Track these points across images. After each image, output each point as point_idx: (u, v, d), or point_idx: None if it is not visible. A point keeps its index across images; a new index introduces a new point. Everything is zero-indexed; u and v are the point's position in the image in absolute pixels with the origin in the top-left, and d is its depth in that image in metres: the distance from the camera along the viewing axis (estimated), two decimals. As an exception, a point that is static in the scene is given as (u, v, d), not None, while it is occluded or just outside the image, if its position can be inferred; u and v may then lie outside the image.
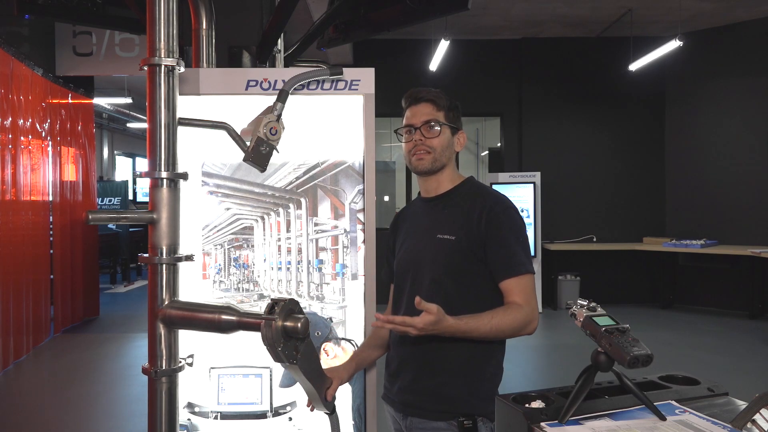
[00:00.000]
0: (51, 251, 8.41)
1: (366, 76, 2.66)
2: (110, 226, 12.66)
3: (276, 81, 2.64)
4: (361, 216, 2.67)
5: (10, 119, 7.10)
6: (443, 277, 2.11)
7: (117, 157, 20.22)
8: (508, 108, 10.60)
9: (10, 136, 7.07)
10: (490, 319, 1.97)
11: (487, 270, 2.09)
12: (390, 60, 10.32)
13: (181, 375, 1.73)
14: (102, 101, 13.80)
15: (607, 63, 10.33)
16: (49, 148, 8.33)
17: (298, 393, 2.65)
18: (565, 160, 10.38)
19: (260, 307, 2.66)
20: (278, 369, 2.64)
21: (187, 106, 2.55)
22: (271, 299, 1.50)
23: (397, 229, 2.40)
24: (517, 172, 10.00)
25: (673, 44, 8.48)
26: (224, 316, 1.58)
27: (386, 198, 11.00)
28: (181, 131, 1.76)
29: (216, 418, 2.66)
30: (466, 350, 2.07)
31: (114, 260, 13.32)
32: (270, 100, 2.32)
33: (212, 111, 2.61)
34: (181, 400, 2.61)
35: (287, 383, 2.66)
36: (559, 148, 10.35)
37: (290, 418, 2.67)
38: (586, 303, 1.41)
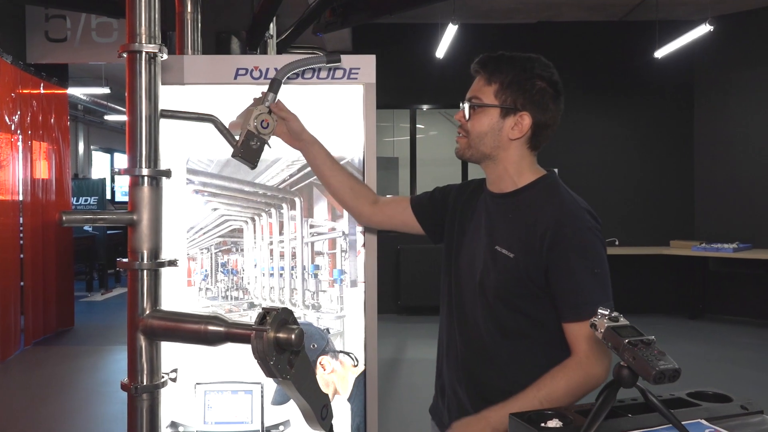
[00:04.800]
0: (21, 256, 8.41)
1: (366, 63, 2.66)
2: (86, 228, 12.66)
3: (268, 69, 2.64)
4: (359, 218, 2.66)
5: (-23, 111, 7.11)
6: (496, 302, 1.96)
7: (94, 152, 20.22)
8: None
9: (-24, 129, 7.09)
10: (536, 393, 1.82)
11: (551, 300, 1.91)
12: (392, 46, 10.33)
13: (163, 391, 1.73)
14: (77, 91, 13.82)
15: (631, 49, 10.33)
16: (19, 143, 8.33)
17: (292, 411, 2.65)
18: (585, 155, 10.38)
19: (250, 317, 2.66)
20: (270, 385, 2.64)
21: (170, 96, 2.55)
22: (263, 308, 1.50)
23: (456, 206, 2.23)
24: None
25: (703, 29, 8.46)
26: (211, 327, 1.58)
27: (389, 197, 11.01)
28: (164, 124, 1.75)
29: (202, 438, 2.66)
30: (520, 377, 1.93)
31: (90, 265, 13.32)
32: (261, 90, 2.33)
33: (198, 102, 2.61)
34: (164, 419, 2.61)
35: (280, 400, 2.66)
36: (577, 143, 10.34)
37: (283, 439, 2.68)
38: (607, 313, 1.41)
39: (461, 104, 2.07)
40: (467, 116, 2.04)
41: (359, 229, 2.67)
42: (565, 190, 2.03)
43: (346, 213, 2.66)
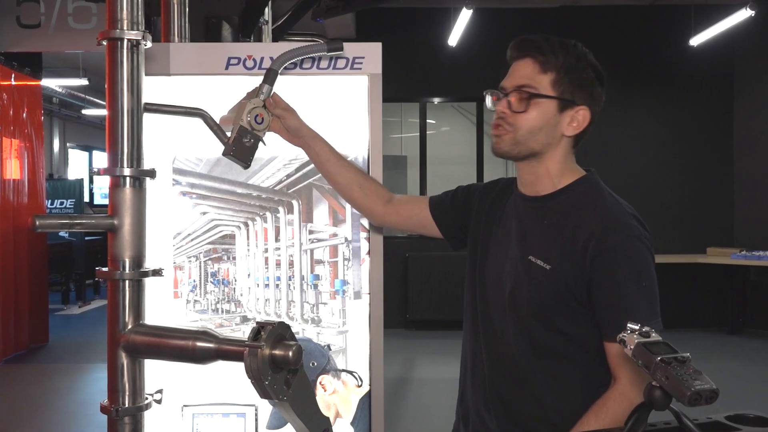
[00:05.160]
0: (-10, 264, 8.43)
1: (371, 52, 2.67)
2: (62, 233, 12.66)
3: (262, 58, 2.65)
4: (365, 222, 2.67)
5: (-58, 105, 7.13)
6: (530, 320, 1.92)
7: (70, 150, 20.26)
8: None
9: (-59, 125, 7.11)
10: None
11: (592, 316, 1.87)
12: (400, 33, 10.33)
13: (147, 414, 1.74)
14: (52, 83, 13.84)
15: (663, 37, 10.33)
16: (-11, 140, 8.35)
17: (288, 436, 2.65)
18: (613, 154, 10.33)
19: (243, 332, 2.66)
20: (265, 407, 2.64)
21: (155, 88, 2.55)
22: (257, 322, 1.50)
23: (482, 209, 2.18)
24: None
25: (743, 14, 8.45)
26: (200, 343, 1.58)
27: (405, 195, 10.97)
28: (148, 119, 1.76)
29: (189, 466, 2.66)
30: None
31: (66, 275, 13.31)
32: (255, 81, 2.33)
33: (185, 95, 2.61)
34: (148, 445, 2.61)
35: (276, 424, 2.66)
36: (605, 140, 10.29)
37: (279, 467, 2.68)
38: (637, 327, 1.40)
39: (501, 93, 1.99)
40: (517, 108, 1.94)
41: (363, 235, 2.67)
42: (609, 192, 2.02)
43: (348, 218, 2.66)
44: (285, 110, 2.31)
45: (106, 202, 2.09)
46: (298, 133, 2.34)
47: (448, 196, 2.35)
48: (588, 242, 1.84)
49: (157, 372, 1.97)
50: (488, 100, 2.03)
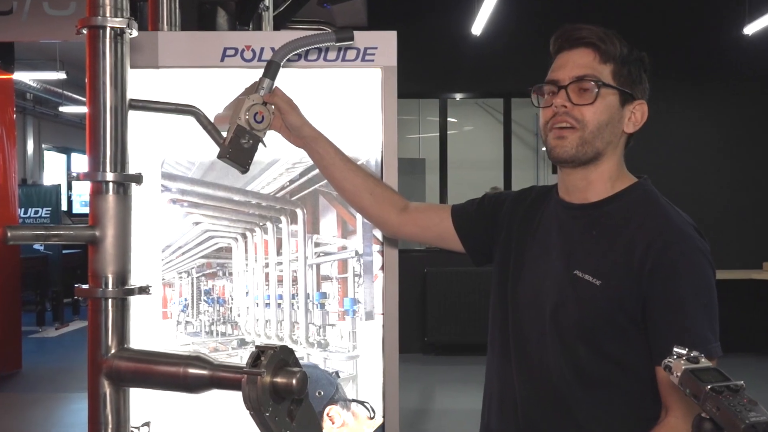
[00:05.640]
0: (-43, 281, 8.46)
1: (385, 42, 2.67)
2: (37, 246, 12.72)
3: (263, 49, 2.65)
4: (378, 233, 2.67)
5: None
6: (576, 343, 1.93)
7: (46, 152, 20.36)
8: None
9: None
10: None
11: (645, 339, 1.87)
12: (417, 21, 10.34)
13: (132, 450, 1.74)
14: (25, 77, 13.91)
15: (714, 25, 10.30)
16: (-45, 141, 8.39)
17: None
18: (660, 158, 10.26)
19: (241, 358, 2.67)
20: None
21: (141, 83, 2.56)
22: (256, 347, 1.50)
23: (513, 220, 2.19)
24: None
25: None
26: (192, 370, 1.58)
27: (422, 203, 10.89)
28: (134, 118, 1.76)
29: None
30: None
31: (42, 294, 13.36)
32: (254, 75, 2.33)
33: (176, 90, 2.62)
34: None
35: (277, 462, 2.65)
36: (652, 142, 10.20)
37: None
38: (685, 352, 1.40)
39: (559, 83, 1.98)
40: (582, 100, 1.94)
41: (376, 248, 2.67)
42: (666, 200, 2.03)
43: (359, 228, 2.66)
44: (286, 103, 2.28)
45: (86, 210, 2.10)
46: (299, 132, 2.32)
47: (473, 205, 2.35)
48: (646, 254, 1.84)
49: (143, 402, 1.97)
50: (536, 99, 2.05)
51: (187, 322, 2.72)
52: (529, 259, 2.09)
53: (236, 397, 1.50)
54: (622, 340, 1.89)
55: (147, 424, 1.77)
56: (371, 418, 2.65)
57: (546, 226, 2.09)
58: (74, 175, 1.78)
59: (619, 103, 1.96)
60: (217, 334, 2.72)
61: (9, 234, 1.65)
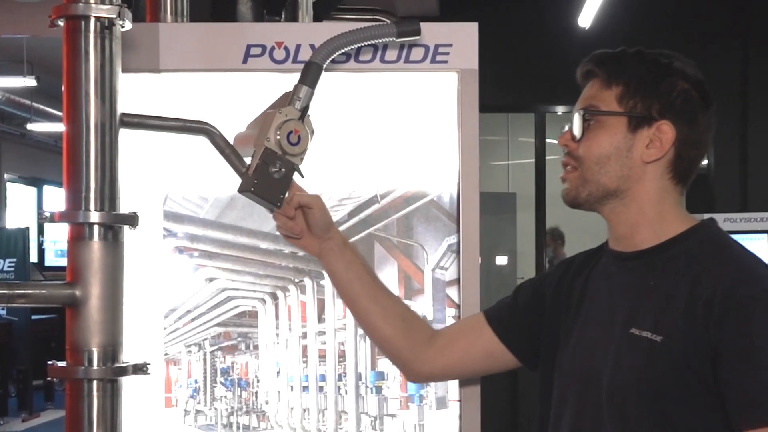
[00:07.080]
0: None
1: (463, 38, 2.67)
2: (-1, 309, 12.90)
3: (299, 47, 2.66)
4: (453, 293, 2.65)
5: None
6: (640, 416, 2.01)
7: (9, 184, 20.64)
8: (720, 95, 10.52)
9: None
10: None
11: (720, 403, 1.94)
12: (504, 10, 10.38)
13: None
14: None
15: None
16: None
17: None
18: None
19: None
20: None
21: (137, 91, 2.57)
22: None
23: (559, 295, 2.32)
24: (737, 214, 9.80)
25: None
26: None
27: (502, 260, 10.78)
28: (127, 138, 1.77)
29: None
30: None
31: (4, 373, 13.50)
32: (287, 81, 2.33)
33: (182, 101, 2.64)
34: None
35: None
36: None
37: None
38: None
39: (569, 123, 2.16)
40: (579, 134, 2.12)
41: (450, 313, 2.66)
42: (736, 242, 2.14)
43: (428, 286, 2.66)
44: (312, 198, 2.32)
45: (63, 262, 2.10)
46: (326, 232, 2.35)
47: (507, 303, 2.45)
48: (712, 300, 1.92)
49: None
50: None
51: (197, 412, 2.72)
52: (576, 328, 2.23)
53: None
54: (692, 404, 1.97)
55: None
56: None
57: (594, 285, 2.24)
58: (47, 215, 1.79)
59: (626, 128, 2.10)
60: (239, 428, 2.72)
61: (-41, 294, 1.66)
